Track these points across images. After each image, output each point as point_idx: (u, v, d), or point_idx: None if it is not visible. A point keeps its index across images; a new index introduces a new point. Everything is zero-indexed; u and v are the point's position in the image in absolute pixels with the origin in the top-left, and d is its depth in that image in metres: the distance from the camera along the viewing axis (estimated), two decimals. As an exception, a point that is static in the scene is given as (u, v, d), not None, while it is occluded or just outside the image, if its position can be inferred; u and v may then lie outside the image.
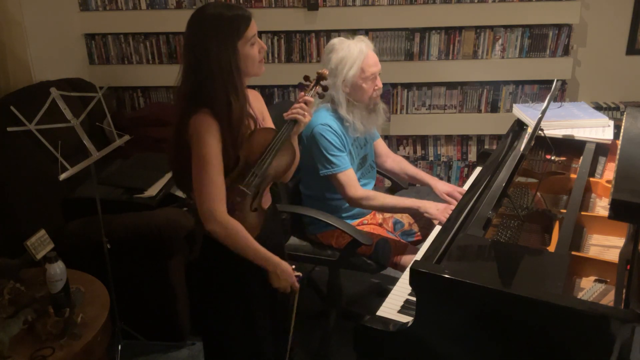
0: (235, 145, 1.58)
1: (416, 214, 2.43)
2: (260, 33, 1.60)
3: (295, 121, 1.72)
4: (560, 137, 2.33)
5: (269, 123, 1.81)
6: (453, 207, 2.19)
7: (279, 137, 1.69)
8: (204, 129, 1.53)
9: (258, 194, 1.66)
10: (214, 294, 1.74)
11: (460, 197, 2.32)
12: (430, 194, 2.51)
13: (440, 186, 2.43)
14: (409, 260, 2.21)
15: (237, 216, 1.61)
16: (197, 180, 1.56)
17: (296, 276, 1.72)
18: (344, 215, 2.42)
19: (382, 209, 2.39)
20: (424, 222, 2.47)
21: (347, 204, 2.40)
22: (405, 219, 2.54)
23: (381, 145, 2.63)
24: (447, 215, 2.12)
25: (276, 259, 1.66)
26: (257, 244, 1.63)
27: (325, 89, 1.85)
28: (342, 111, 2.26)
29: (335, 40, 2.29)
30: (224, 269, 1.72)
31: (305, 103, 1.74)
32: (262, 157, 1.66)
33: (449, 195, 2.37)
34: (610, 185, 1.58)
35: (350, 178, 2.27)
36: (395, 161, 2.65)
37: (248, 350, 1.77)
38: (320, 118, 2.26)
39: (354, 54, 2.21)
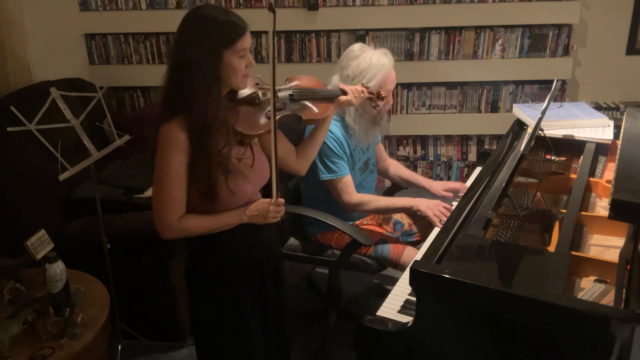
0: (207, 154, 1.52)
1: (412, 213, 2.44)
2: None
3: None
4: (560, 137, 2.33)
5: None
6: (445, 204, 2.22)
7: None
8: (168, 141, 1.50)
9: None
10: (205, 298, 1.73)
11: (455, 186, 2.38)
12: (430, 193, 2.52)
13: (435, 186, 2.47)
14: (409, 260, 2.21)
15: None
16: (155, 191, 1.56)
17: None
18: (345, 215, 2.42)
19: (378, 212, 2.41)
20: (424, 223, 2.48)
21: (347, 206, 2.41)
22: (405, 219, 2.54)
23: (379, 150, 2.64)
24: (438, 212, 2.16)
25: (241, 211, 1.63)
26: (216, 218, 1.60)
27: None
28: (349, 119, 2.25)
29: (357, 47, 2.24)
30: (215, 274, 1.70)
31: None
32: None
33: (445, 190, 2.40)
34: (610, 185, 1.58)
35: (346, 185, 2.27)
36: (390, 165, 2.66)
37: (240, 353, 1.76)
38: None
39: (375, 69, 2.17)
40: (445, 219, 2.07)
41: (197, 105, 1.49)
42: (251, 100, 1.65)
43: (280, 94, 1.74)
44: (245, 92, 1.65)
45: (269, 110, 1.64)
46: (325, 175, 2.26)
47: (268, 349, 1.84)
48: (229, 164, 1.57)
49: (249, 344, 1.75)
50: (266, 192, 1.74)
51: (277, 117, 1.65)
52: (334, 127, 2.24)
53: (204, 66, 1.49)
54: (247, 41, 1.54)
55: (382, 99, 2.15)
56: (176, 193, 1.54)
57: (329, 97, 1.89)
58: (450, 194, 2.44)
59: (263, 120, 1.64)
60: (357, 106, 2.21)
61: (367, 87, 2.05)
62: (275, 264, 1.84)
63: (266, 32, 3.70)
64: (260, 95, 1.66)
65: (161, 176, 1.53)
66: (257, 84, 1.70)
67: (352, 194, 2.28)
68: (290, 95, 1.77)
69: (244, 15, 1.57)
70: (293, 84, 1.84)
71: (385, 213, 2.46)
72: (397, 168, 2.66)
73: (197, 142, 1.51)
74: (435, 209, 2.19)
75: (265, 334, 1.81)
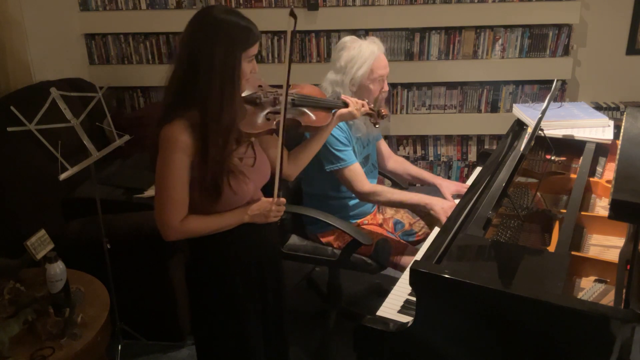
0: (213, 154, 1.52)
1: (422, 210, 2.43)
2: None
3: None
4: (560, 137, 2.33)
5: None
6: None
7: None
8: (170, 143, 1.50)
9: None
10: (205, 297, 1.73)
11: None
12: (431, 192, 2.51)
13: (446, 186, 2.44)
14: (409, 260, 2.21)
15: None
16: (157, 193, 1.57)
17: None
18: (346, 214, 2.42)
19: (390, 204, 2.41)
20: (429, 219, 2.47)
21: (350, 203, 2.41)
22: (406, 219, 2.54)
23: (383, 146, 2.64)
24: None
25: (243, 211, 1.64)
26: (218, 218, 1.61)
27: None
28: None
29: (347, 39, 2.29)
30: (215, 274, 1.71)
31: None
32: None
33: (456, 194, 2.38)
34: (610, 185, 1.58)
35: (357, 173, 2.27)
36: (397, 162, 2.65)
37: (239, 353, 1.77)
38: None
39: (365, 54, 2.21)
40: None
41: (212, 105, 1.50)
42: (253, 100, 1.67)
43: (281, 98, 1.75)
44: (247, 91, 1.68)
45: (269, 112, 1.68)
46: (333, 166, 2.26)
47: (267, 348, 1.84)
48: (231, 163, 1.58)
49: (249, 343, 1.76)
50: (266, 191, 1.75)
51: (277, 120, 1.67)
52: None
53: (224, 66, 1.50)
54: (257, 48, 1.58)
55: (382, 117, 2.16)
56: (178, 195, 1.54)
57: (329, 107, 1.92)
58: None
59: (262, 120, 1.66)
60: (353, 94, 2.23)
61: (369, 104, 2.08)
62: (275, 264, 1.84)
63: (266, 32, 3.71)
64: (262, 96, 1.69)
65: (163, 178, 1.53)
66: (260, 85, 1.73)
67: (364, 182, 2.28)
68: (292, 100, 1.80)
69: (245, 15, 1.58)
70: (295, 90, 1.87)
71: (397, 207, 2.46)
72: (404, 164, 2.65)
73: (204, 143, 1.51)
74: (449, 212, 2.13)
75: (265, 334, 1.82)
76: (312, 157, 1.93)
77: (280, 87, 1.67)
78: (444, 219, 2.14)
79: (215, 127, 1.51)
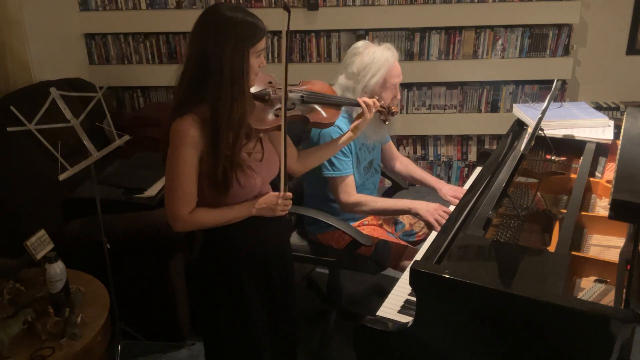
0: (222, 149, 1.55)
1: (407, 214, 2.43)
2: (266, 27, 1.61)
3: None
4: (560, 137, 2.33)
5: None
6: (445, 207, 2.20)
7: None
8: (180, 137, 1.53)
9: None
10: (212, 293, 1.75)
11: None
12: (430, 193, 2.51)
13: (445, 189, 2.44)
14: (410, 260, 2.21)
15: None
16: (167, 185, 1.61)
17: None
18: (347, 216, 2.42)
19: (375, 213, 2.39)
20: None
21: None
22: (406, 219, 2.54)
23: (391, 148, 2.62)
24: (438, 216, 2.15)
25: (250, 204, 1.67)
26: (226, 211, 1.65)
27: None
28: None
29: (360, 44, 2.25)
30: (223, 269, 1.72)
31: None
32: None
33: (454, 197, 2.37)
34: (610, 185, 1.58)
35: (348, 184, 2.27)
36: (402, 164, 2.64)
37: (246, 350, 1.78)
38: None
39: (379, 62, 2.18)
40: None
41: (222, 101, 1.53)
42: (262, 96, 1.70)
43: (291, 95, 1.78)
44: (257, 88, 1.70)
45: (278, 108, 1.70)
46: (328, 172, 2.26)
47: (275, 345, 1.85)
48: (239, 158, 1.60)
49: (256, 340, 1.77)
50: (275, 187, 1.77)
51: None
52: (343, 123, 2.24)
53: (233, 63, 1.53)
54: (264, 42, 1.61)
55: (393, 114, 2.15)
56: (187, 187, 1.58)
57: (338, 104, 1.93)
58: (456, 201, 2.39)
59: (271, 116, 1.68)
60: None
61: (379, 101, 2.06)
62: (284, 261, 1.85)
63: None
64: (271, 92, 1.71)
65: (173, 171, 1.57)
66: (270, 82, 1.76)
67: (351, 194, 2.28)
68: (301, 96, 1.81)
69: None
70: (305, 87, 1.88)
71: (383, 215, 2.45)
72: (408, 166, 2.64)
73: (214, 138, 1.54)
74: (435, 214, 2.16)
75: (272, 330, 1.83)
76: (321, 162, 1.99)
77: (291, 84, 1.69)
78: (432, 220, 2.16)
79: (226, 123, 1.54)
